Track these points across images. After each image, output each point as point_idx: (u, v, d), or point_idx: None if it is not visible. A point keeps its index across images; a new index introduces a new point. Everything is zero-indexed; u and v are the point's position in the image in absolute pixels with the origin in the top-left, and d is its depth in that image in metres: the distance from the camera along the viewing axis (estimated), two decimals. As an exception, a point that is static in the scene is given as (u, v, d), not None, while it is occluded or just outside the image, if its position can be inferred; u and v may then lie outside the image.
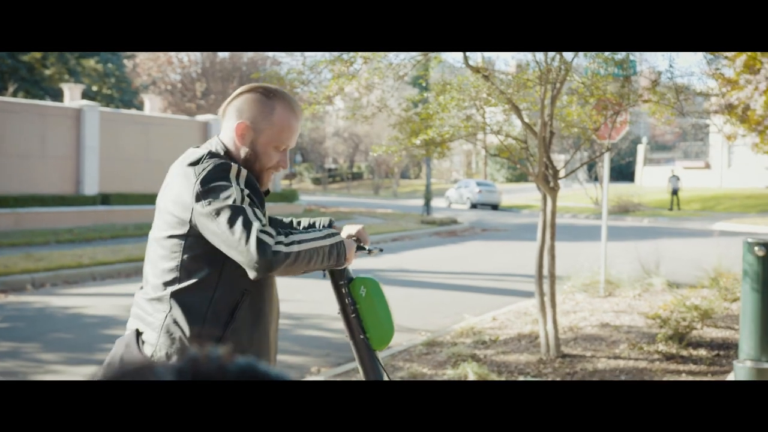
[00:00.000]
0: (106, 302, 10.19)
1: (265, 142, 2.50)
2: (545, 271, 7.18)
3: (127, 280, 12.26)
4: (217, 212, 2.29)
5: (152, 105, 29.09)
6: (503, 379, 6.26)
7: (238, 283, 2.39)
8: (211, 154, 2.45)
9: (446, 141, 7.64)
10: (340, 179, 65.55)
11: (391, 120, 8.93)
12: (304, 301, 10.23)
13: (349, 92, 9.76)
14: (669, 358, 6.95)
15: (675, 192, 34.48)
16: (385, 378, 2.67)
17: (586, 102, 7.67)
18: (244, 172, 2.41)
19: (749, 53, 19.75)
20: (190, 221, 2.35)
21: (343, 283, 2.69)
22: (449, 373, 6.32)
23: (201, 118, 26.98)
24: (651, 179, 48.46)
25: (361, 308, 2.68)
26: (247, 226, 2.26)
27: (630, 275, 11.16)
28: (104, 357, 7.14)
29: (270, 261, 2.24)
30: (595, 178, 35.99)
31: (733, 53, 20.51)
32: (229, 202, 2.29)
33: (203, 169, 2.36)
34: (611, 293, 10.64)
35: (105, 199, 22.39)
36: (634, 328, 8.26)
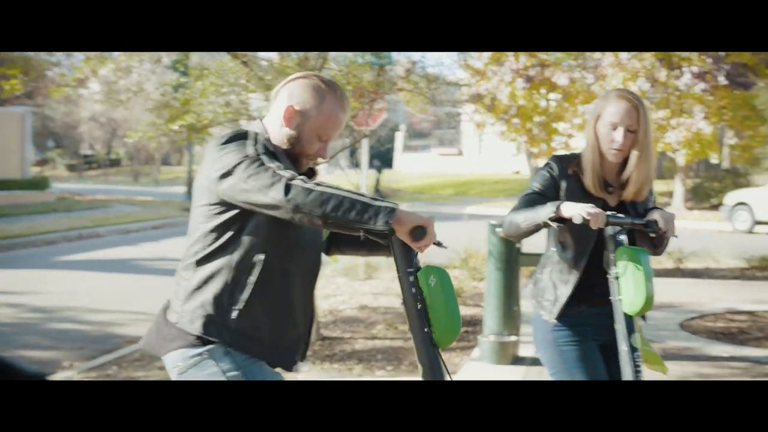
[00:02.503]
0: None
1: (311, 128, 2.54)
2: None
3: None
4: (235, 166, 2.34)
5: None
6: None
7: (257, 244, 2.43)
8: (243, 129, 2.54)
9: (206, 127, 7.54)
10: (97, 166, 62.65)
11: (148, 104, 8.68)
12: (54, 293, 9.75)
13: (106, 75, 9.36)
14: (423, 335, 7.28)
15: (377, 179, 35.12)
16: (447, 378, 2.42)
17: (344, 89, 7.84)
18: (262, 137, 2.46)
19: (496, 47, 20.94)
20: (211, 188, 2.41)
21: (411, 271, 2.42)
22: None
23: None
24: (409, 165, 50.35)
25: (428, 300, 2.39)
26: (264, 169, 2.31)
27: (388, 258, 11.55)
28: None
29: (284, 191, 2.25)
30: (356, 164, 36.82)
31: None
32: (245, 153, 2.36)
33: (221, 137, 2.45)
34: (371, 276, 10.98)
35: None
36: (391, 309, 8.59)
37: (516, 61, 23.50)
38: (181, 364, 2.43)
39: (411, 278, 2.41)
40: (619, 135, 3.07)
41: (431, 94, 7.97)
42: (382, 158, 55.03)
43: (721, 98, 22.64)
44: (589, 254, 3.12)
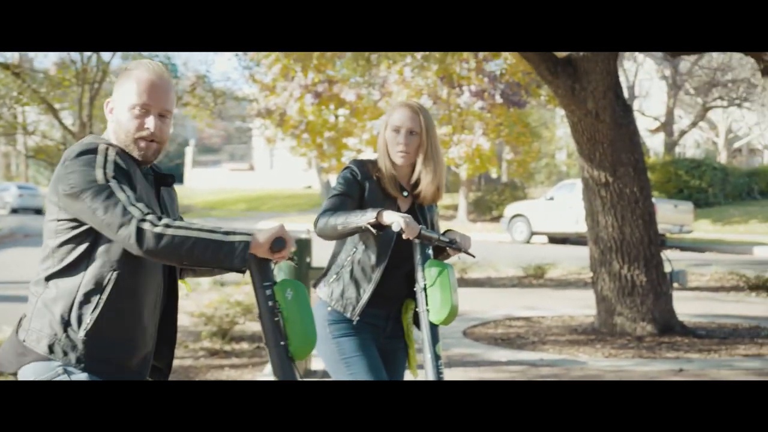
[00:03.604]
0: None
1: (121, 106, 2.46)
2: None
3: None
4: (82, 191, 2.30)
5: None
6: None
7: (108, 262, 2.38)
8: (90, 138, 2.48)
9: (-25, 141, 7.10)
10: None
11: None
12: None
13: None
14: (213, 354, 7.19)
15: None
16: None
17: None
18: (112, 151, 2.39)
19: (284, 63, 21.09)
20: (59, 203, 2.36)
21: (268, 284, 2.39)
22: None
23: None
24: (200, 181, 49.56)
25: (285, 313, 2.38)
26: (113, 202, 2.27)
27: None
28: None
29: (135, 237, 2.24)
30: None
31: (269, 60, 21.75)
32: (93, 178, 2.31)
33: (71, 151, 2.39)
34: (159, 295, 10.68)
35: None
36: (181, 328, 8.38)
37: (305, 76, 23.80)
38: (32, 379, 2.36)
39: (268, 291, 2.41)
40: (401, 138, 3.27)
41: (218, 108, 7.90)
42: (173, 174, 53.91)
43: (498, 116, 24.03)
44: (389, 256, 3.25)
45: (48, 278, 2.40)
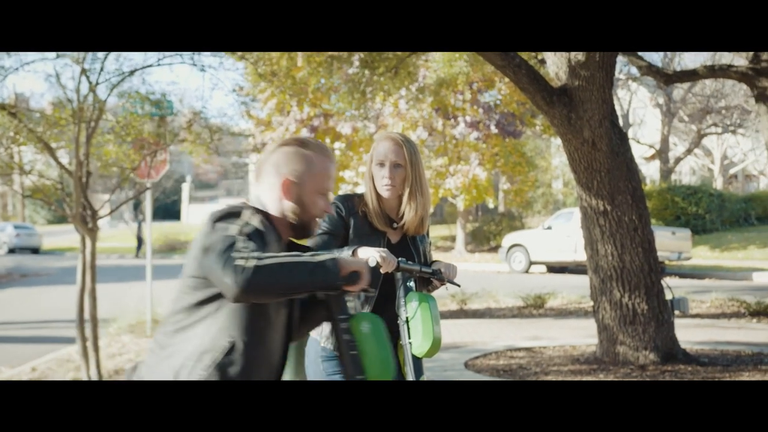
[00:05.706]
0: None
1: (311, 192, 2.55)
2: (87, 315, 6.96)
3: None
4: (213, 245, 2.33)
5: None
6: None
7: (226, 329, 2.38)
8: (239, 202, 2.54)
9: (-29, 182, 7.09)
10: None
11: None
12: None
13: None
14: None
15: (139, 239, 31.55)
16: None
17: (123, 141, 7.63)
18: (256, 218, 2.44)
19: (279, 99, 21.15)
20: (197, 260, 2.39)
21: (344, 318, 2.40)
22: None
23: None
24: (197, 217, 49.55)
25: (362, 347, 2.40)
26: (227, 251, 2.28)
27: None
28: None
29: (236, 277, 2.22)
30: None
31: (265, 95, 21.84)
32: (226, 233, 2.34)
33: (218, 211, 2.46)
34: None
35: None
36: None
37: (300, 111, 23.90)
38: None
39: (344, 325, 2.42)
40: (386, 171, 3.27)
41: (215, 144, 7.90)
42: (169, 210, 53.91)
43: (494, 146, 24.09)
44: (377, 291, 3.23)
45: (176, 332, 2.43)
